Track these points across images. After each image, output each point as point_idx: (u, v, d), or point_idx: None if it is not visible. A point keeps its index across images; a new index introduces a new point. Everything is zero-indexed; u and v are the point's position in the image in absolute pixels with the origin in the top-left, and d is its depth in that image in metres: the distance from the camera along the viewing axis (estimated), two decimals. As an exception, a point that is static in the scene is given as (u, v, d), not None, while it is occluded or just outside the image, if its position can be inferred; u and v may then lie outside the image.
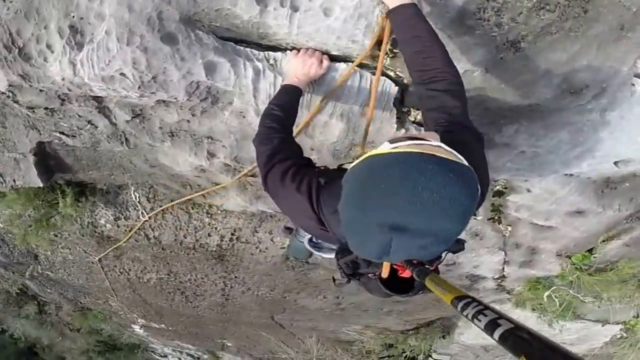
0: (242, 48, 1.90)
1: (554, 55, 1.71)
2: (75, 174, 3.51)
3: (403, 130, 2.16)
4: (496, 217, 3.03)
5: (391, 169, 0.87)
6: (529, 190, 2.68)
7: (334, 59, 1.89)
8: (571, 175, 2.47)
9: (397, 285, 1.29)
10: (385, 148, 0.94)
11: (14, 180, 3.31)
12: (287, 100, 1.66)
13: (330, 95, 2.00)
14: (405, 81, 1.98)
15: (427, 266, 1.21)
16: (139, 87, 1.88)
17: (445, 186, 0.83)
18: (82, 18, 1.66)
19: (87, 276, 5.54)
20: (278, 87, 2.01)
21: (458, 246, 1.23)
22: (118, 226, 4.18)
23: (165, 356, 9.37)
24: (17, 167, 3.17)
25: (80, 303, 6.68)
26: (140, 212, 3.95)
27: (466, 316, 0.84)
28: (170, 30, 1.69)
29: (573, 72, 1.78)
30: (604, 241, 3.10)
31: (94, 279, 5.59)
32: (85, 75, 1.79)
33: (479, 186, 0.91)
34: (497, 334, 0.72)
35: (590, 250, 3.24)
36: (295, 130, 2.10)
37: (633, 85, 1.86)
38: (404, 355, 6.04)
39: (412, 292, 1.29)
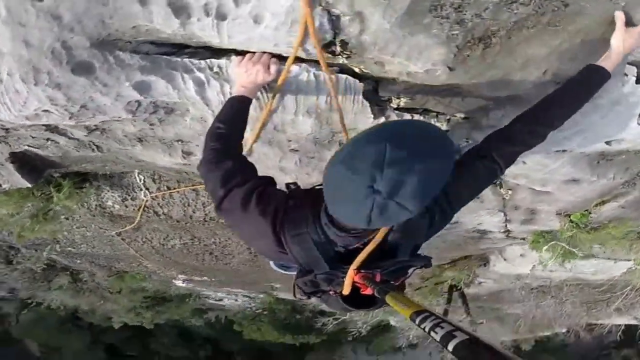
0: (178, 59, 1.77)
1: (532, 50, 1.73)
2: (68, 167, 3.63)
3: (383, 119, 2.21)
4: (497, 182, 3.30)
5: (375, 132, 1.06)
6: (524, 162, 2.81)
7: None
8: (563, 151, 2.60)
9: (358, 301, 1.42)
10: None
11: (0, 185, 3.50)
12: (233, 115, 1.67)
13: (281, 95, 2.02)
14: (373, 75, 1.98)
15: (392, 282, 1.37)
16: (70, 118, 1.84)
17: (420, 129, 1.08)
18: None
19: (111, 247, 5.99)
20: (228, 95, 1.96)
21: (425, 261, 1.39)
22: (126, 206, 4.38)
23: (221, 299, 10.34)
24: (-1, 175, 3.32)
25: (115, 268, 7.33)
26: (144, 192, 4.10)
27: (424, 329, 0.94)
28: (82, 59, 1.58)
29: (555, 65, 1.81)
30: (599, 204, 3.46)
31: (119, 249, 6.05)
32: (7, 117, 1.77)
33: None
34: (451, 345, 0.80)
35: (588, 210, 3.62)
36: (252, 135, 2.19)
37: (626, 75, 1.96)
38: (444, 283, 6.84)
39: (374, 307, 1.45)
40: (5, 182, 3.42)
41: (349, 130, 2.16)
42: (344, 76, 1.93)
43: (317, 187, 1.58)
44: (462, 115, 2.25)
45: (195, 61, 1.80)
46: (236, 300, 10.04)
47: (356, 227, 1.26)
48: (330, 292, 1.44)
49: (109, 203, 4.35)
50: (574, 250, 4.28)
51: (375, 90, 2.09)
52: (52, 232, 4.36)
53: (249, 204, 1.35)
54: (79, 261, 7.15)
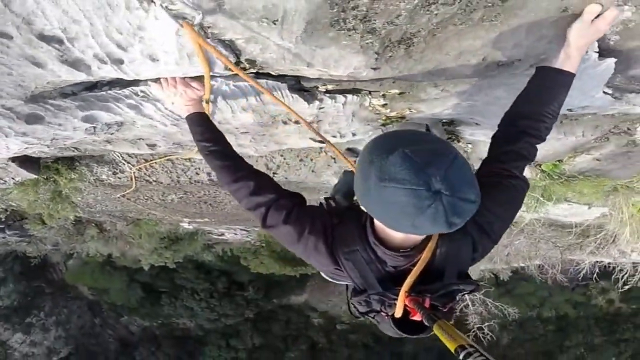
0: (104, 93, 1.88)
1: (465, 42, 1.52)
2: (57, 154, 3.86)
3: (317, 102, 2.21)
4: (453, 138, 3.11)
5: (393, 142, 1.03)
6: (477, 124, 2.67)
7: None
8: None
9: (409, 326, 1.32)
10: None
11: (13, 178, 3.77)
12: (203, 130, 1.63)
13: (214, 103, 2.10)
14: (286, 74, 1.91)
15: (440, 308, 1.27)
16: (48, 147, 2.07)
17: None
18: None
19: (120, 205, 6.37)
20: (162, 106, 2.09)
21: (473, 285, 1.30)
22: (119, 178, 4.66)
23: (222, 234, 10.92)
24: (6, 172, 3.57)
25: (129, 217, 7.76)
26: (127, 166, 4.35)
27: None
28: (27, 112, 1.78)
29: (495, 52, 1.59)
30: (571, 157, 3.20)
31: (128, 206, 6.43)
32: (2, 154, 1.99)
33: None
34: None
35: (560, 160, 3.33)
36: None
37: (587, 52, 1.70)
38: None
39: (424, 333, 1.31)
40: (16, 176, 3.67)
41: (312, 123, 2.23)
42: (264, 80, 1.90)
43: (356, 204, 1.59)
44: (397, 92, 2.16)
45: (119, 91, 1.90)
46: (235, 234, 10.57)
47: (404, 246, 1.23)
48: (383, 314, 1.34)
49: (104, 177, 4.63)
50: (546, 202, 3.98)
51: (299, 82, 2.04)
52: (72, 207, 4.67)
53: (297, 222, 1.32)
54: (98, 215, 7.57)
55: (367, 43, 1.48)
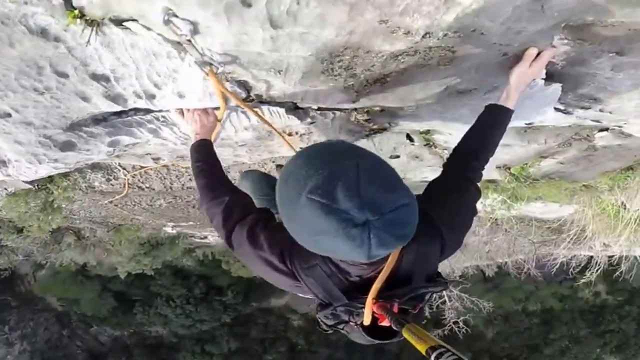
0: (130, 119, 2.21)
1: (428, 77, 1.83)
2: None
3: (309, 119, 2.48)
4: (430, 144, 3.39)
5: (310, 168, 0.96)
6: (450, 134, 3.02)
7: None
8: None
9: (379, 332, 1.32)
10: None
11: (5, 189, 3.98)
12: (202, 154, 1.79)
13: (222, 125, 2.44)
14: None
15: (410, 310, 1.28)
16: (74, 168, 2.37)
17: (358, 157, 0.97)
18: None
19: (105, 211, 6.58)
20: (179, 131, 2.43)
21: (442, 286, 1.34)
22: (112, 184, 4.90)
23: (205, 237, 11.13)
24: (2, 181, 3.79)
25: (111, 223, 7.94)
26: (122, 172, 4.61)
27: None
28: (63, 140, 2.08)
29: (454, 83, 1.94)
30: (537, 161, 3.49)
31: (113, 211, 6.63)
32: (26, 179, 2.28)
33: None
34: None
35: (527, 164, 3.65)
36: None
37: (533, 80, 2.08)
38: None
39: (395, 337, 1.31)
40: (10, 186, 3.89)
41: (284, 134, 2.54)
42: (265, 107, 2.23)
43: None
44: (379, 109, 2.41)
45: (143, 116, 2.23)
46: (219, 237, 10.78)
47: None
48: (351, 324, 1.35)
49: (96, 184, 4.85)
50: (514, 204, 4.30)
51: (294, 104, 2.29)
52: (63, 218, 4.86)
53: (254, 238, 1.35)
54: (78, 221, 7.71)
55: (349, 84, 1.81)
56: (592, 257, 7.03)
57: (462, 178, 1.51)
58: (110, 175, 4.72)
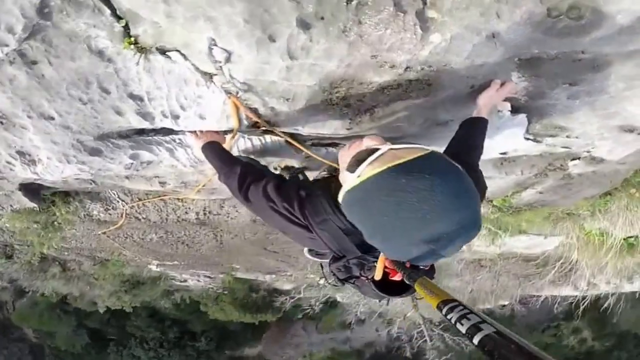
0: (151, 138, 2.55)
1: (410, 111, 2.16)
2: (57, 188, 4.34)
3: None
4: None
5: (400, 187, 0.97)
6: None
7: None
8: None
9: (389, 287, 1.39)
10: (356, 178, 1.07)
11: (11, 206, 4.19)
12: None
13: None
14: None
15: (421, 266, 1.32)
16: (91, 176, 2.65)
17: (448, 178, 0.97)
18: (22, 147, 2.34)
19: (96, 243, 6.69)
20: (191, 152, 2.73)
21: None
22: (110, 214, 5.12)
23: (185, 280, 11.11)
24: (9, 199, 4.01)
25: (98, 257, 8.00)
26: (121, 203, 4.84)
27: (450, 320, 0.91)
28: (92, 146, 2.38)
29: (433, 116, 2.29)
30: (518, 191, 3.75)
31: (104, 243, 6.75)
32: (51, 179, 2.54)
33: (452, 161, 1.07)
34: (477, 339, 0.79)
35: (507, 196, 3.90)
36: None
37: (500, 111, 2.44)
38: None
39: (406, 293, 1.40)
40: (15, 203, 4.11)
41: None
42: (269, 136, 2.64)
43: (322, 176, 1.99)
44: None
45: (163, 137, 2.58)
46: (199, 280, 10.77)
47: None
48: (362, 278, 1.42)
49: (95, 212, 5.07)
50: (499, 231, 4.51)
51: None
52: (62, 238, 5.03)
53: (269, 196, 1.44)
54: (66, 253, 7.77)
55: (344, 112, 2.13)
56: (576, 300, 7.01)
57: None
58: (109, 206, 4.95)
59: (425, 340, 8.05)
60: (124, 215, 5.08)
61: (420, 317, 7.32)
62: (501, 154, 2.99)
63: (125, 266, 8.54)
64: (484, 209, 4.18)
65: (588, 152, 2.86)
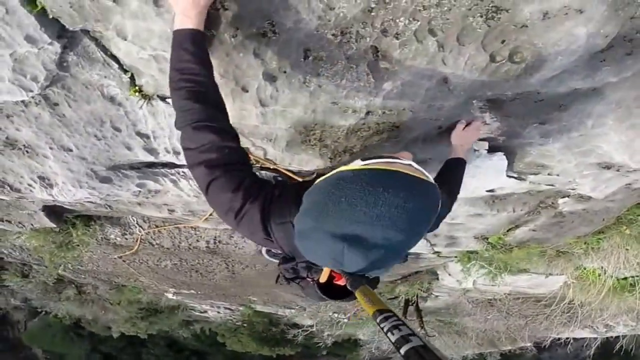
0: (158, 170, 2.96)
1: (384, 149, 2.31)
2: (80, 212, 4.83)
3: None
4: None
5: (355, 184, 1.02)
6: None
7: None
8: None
9: (333, 291, 1.45)
10: (356, 165, 1.12)
11: (32, 224, 4.69)
12: (192, 58, 1.42)
13: None
14: None
15: (366, 275, 1.34)
16: (101, 200, 3.06)
17: (407, 201, 0.98)
18: (43, 172, 2.78)
19: (113, 267, 7.16)
20: (194, 184, 3.11)
21: (406, 257, 1.66)
22: (126, 239, 5.58)
23: (205, 311, 11.42)
24: (31, 218, 4.51)
25: (115, 282, 8.47)
26: (139, 229, 5.29)
27: (382, 328, 0.96)
28: (103, 175, 2.80)
29: (411, 149, 2.43)
30: (511, 229, 3.89)
31: (120, 268, 7.22)
32: (65, 200, 2.96)
33: (439, 202, 1.11)
34: (403, 349, 0.83)
35: (503, 233, 4.00)
36: None
37: (476, 150, 2.62)
38: (398, 298, 7.11)
39: (347, 298, 1.43)
40: (36, 222, 4.60)
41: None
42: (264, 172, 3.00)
43: (301, 181, 1.91)
44: None
45: (168, 170, 2.98)
46: (219, 312, 11.00)
47: None
48: (308, 279, 1.48)
49: (112, 236, 5.53)
50: (492, 269, 4.59)
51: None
52: (73, 258, 5.50)
53: (237, 193, 1.34)
54: (83, 276, 8.29)
55: (323, 152, 2.36)
56: (604, 342, 6.91)
57: None
58: (127, 231, 5.42)
59: None
60: (139, 241, 5.54)
61: None
62: (488, 191, 3.15)
63: (141, 293, 8.98)
64: (479, 246, 4.33)
65: (573, 189, 2.99)
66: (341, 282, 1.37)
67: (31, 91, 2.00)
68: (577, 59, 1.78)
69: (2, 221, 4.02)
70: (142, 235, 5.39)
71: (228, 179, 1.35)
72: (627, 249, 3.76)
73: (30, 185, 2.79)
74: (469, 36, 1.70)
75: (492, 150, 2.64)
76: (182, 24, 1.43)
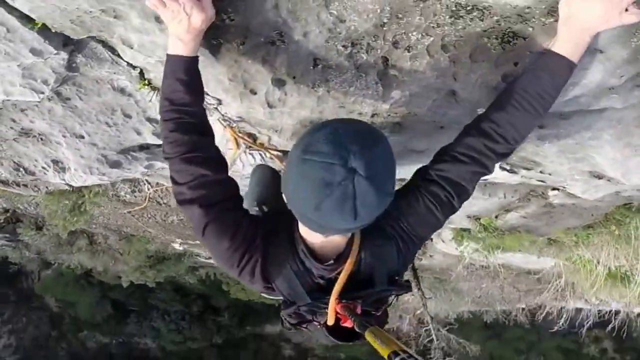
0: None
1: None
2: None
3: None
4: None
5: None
6: None
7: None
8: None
9: (342, 332, 1.38)
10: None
11: (47, 187, 4.84)
12: (184, 88, 1.39)
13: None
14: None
15: (373, 312, 1.35)
16: (111, 183, 3.17)
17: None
18: (55, 156, 2.88)
19: (122, 220, 7.42)
20: None
21: (403, 288, 1.41)
22: (135, 196, 5.76)
23: (210, 258, 11.85)
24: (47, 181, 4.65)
25: (124, 232, 8.78)
26: (147, 186, 5.45)
27: None
28: (114, 160, 2.90)
29: (410, 146, 2.57)
30: (503, 212, 3.95)
31: (129, 221, 7.47)
32: (75, 184, 3.08)
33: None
34: None
35: (495, 216, 4.10)
36: None
37: None
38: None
39: (358, 339, 1.35)
40: (51, 185, 4.75)
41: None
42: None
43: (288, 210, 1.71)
44: None
45: None
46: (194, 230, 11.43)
47: (329, 255, 1.31)
48: (315, 323, 1.41)
49: (122, 193, 5.71)
50: (489, 253, 4.73)
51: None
52: (85, 221, 5.70)
53: (234, 237, 1.33)
54: (94, 226, 8.57)
55: None
56: (603, 311, 7.12)
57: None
58: (136, 188, 5.58)
59: (432, 340, 8.36)
60: (147, 199, 5.70)
61: (429, 316, 7.68)
62: (483, 179, 3.28)
63: (149, 243, 9.32)
64: (472, 225, 4.43)
65: (564, 187, 3.05)
66: (348, 324, 1.30)
67: (42, 93, 2.05)
68: (588, 90, 1.78)
69: (19, 185, 4.15)
70: (150, 193, 5.54)
71: (225, 222, 1.33)
72: (616, 247, 3.83)
73: (44, 168, 2.90)
74: (482, 55, 1.70)
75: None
76: (176, 49, 1.39)
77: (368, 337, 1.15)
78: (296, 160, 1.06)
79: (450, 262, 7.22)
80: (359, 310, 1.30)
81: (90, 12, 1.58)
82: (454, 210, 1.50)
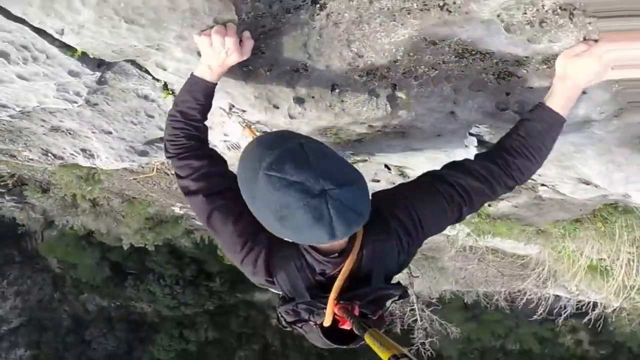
0: None
1: (390, 142, 2.66)
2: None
3: None
4: (403, 174, 3.85)
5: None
6: (413, 170, 3.73)
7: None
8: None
9: (338, 335, 1.37)
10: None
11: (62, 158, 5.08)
12: (198, 107, 1.61)
13: None
14: None
15: (370, 316, 1.34)
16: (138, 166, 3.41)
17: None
18: (84, 146, 3.12)
19: (126, 185, 7.66)
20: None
21: (401, 290, 1.41)
22: (142, 167, 5.98)
23: (205, 220, 12.23)
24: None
25: (126, 195, 9.04)
26: (154, 161, 5.68)
27: None
28: (141, 149, 3.14)
29: (410, 145, 2.75)
30: (493, 202, 4.04)
31: (133, 185, 7.71)
32: (107, 168, 3.33)
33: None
34: None
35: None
36: None
37: (467, 146, 2.53)
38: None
39: (354, 343, 1.36)
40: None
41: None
42: None
43: None
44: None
45: None
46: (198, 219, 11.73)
47: (332, 249, 1.31)
48: (311, 323, 1.40)
49: (131, 164, 5.92)
50: (479, 237, 4.91)
51: None
52: (100, 190, 5.90)
53: (237, 225, 1.40)
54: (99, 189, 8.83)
55: (337, 142, 2.71)
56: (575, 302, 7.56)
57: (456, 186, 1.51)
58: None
59: (416, 320, 8.66)
60: (154, 169, 5.94)
61: (415, 295, 7.99)
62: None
63: (150, 206, 9.59)
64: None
65: (553, 187, 3.32)
66: (346, 325, 1.30)
67: (75, 103, 2.27)
68: (573, 123, 1.99)
69: (32, 159, 4.37)
70: (157, 164, 5.77)
71: (229, 208, 1.41)
72: (600, 243, 4.06)
73: (72, 154, 3.13)
74: (479, 86, 1.95)
75: (481, 143, 2.83)
76: (202, 74, 1.59)
77: (367, 339, 1.15)
78: (254, 176, 1.07)
79: (439, 240, 7.40)
80: (356, 312, 1.31)
81: (135, 46, 1.78)
82: (459, 218, 1.54)
